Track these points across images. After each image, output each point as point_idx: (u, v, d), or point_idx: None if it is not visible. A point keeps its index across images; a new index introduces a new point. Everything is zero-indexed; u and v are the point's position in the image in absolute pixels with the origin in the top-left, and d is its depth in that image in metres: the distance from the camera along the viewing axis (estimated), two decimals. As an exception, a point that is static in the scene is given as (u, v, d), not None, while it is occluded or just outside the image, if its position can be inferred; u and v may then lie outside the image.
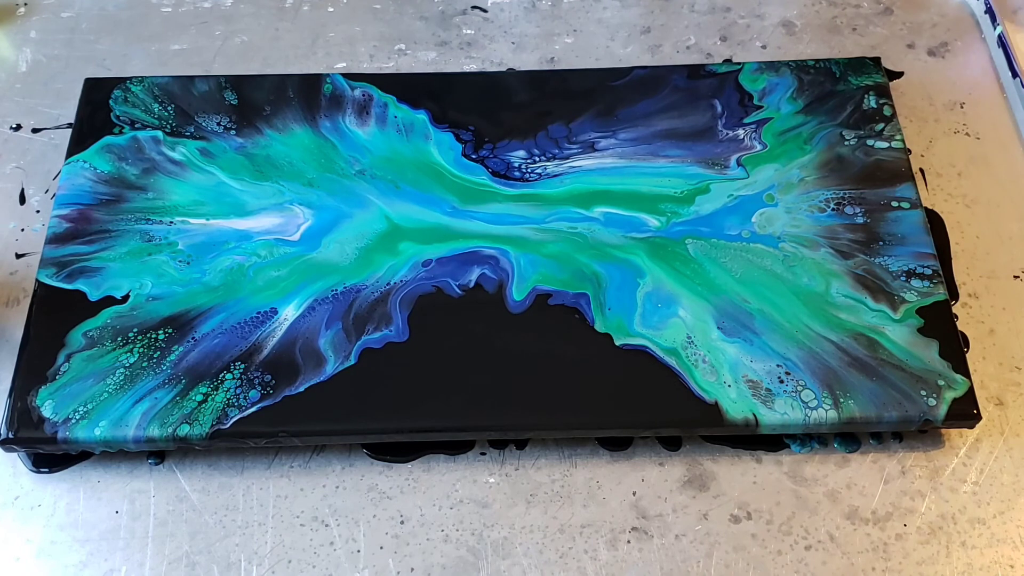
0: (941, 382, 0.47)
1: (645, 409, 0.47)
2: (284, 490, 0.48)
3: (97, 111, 0.57)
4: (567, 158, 0.55)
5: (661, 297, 0.50)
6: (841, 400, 0.47)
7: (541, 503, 0.48)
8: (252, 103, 0.57)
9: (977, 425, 0.48)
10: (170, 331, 0.49)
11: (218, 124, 0.56)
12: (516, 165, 0.55)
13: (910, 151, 0.57)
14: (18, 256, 0.55)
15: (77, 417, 0.47)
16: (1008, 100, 0.61)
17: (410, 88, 0.58)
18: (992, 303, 0.53)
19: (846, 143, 0.55)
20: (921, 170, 0.58)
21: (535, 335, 0.49)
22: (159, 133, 0.56)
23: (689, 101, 0.57)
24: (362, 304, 0.50)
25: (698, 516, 0.47)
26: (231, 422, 0.47)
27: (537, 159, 0.55)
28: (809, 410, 0.47)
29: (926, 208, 0.54)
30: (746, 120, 0.56)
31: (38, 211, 0.57)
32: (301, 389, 0.48)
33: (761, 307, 0.50)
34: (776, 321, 0.49)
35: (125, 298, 0.50)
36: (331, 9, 0.66)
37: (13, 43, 0.64)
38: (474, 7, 0.66)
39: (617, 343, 0.49)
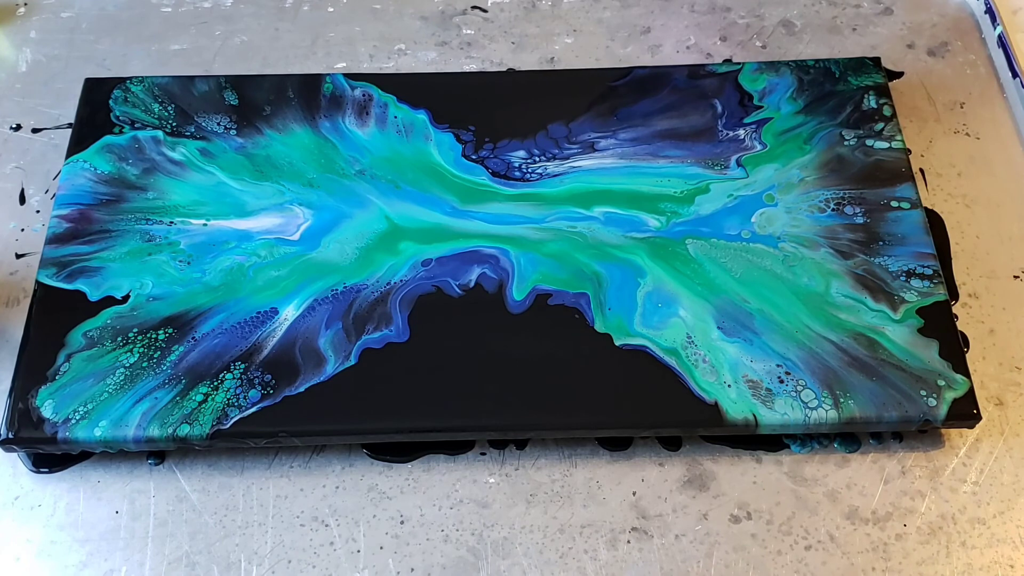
0: (941, 382, 0.47)
1: (645, 409, 0.47)
2: (284, 490, 0.48)
3: (97, 111, 0.57)
4: (567, 158, 0.55)
5: (661, 297, 0.50)
6: (841, 400, 0.47)
7: (541, 503, 0.48)
8: (252, 103, 0.57)
9: (977, 425, 0.48)
10: (170, 331, 0.49)
11: (218, 124, 0.56)
12: (516, 165, 0.55)
13: (910, 151, 0.57)
14: (18, 256, 0.55)
15: (77, 417, 0.47)
16: (1008, 100, 0.61)
17: (410, 88, 0.58)
18: (992, 303, 0.53)
19: (846, 143, 0.55)
20: (921, 170, 0.58)
21: (535, 335, 0.49)
22: (159, 133, 0.56)
23: (689, 101, 0.57)
24: (362, 304, 0.50)
25: (698, 516, 0.47)
26: (231, 422, 0.47)
27: (537, 159, 0.55)
28: (809, 410, 0.47)
29: (926, 208, 0.54)
30: (746, 120, 0.56)
31: (38, 211, 0.57)
32: (301, 389, 0.48)
33: (761, 307, 0.50)
34: (776, 321, 0.49)
35: (125, 298, 0.50)
36: (331, 9, 0.66)
37: (13, 43, 0.64)
38: (474, 7, 0.66)
39: (617, 343, 0.49)
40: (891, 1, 0.66)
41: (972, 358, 0.51)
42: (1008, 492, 0.48)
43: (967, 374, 0.48)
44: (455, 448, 0.49)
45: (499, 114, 0.57)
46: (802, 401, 0.47)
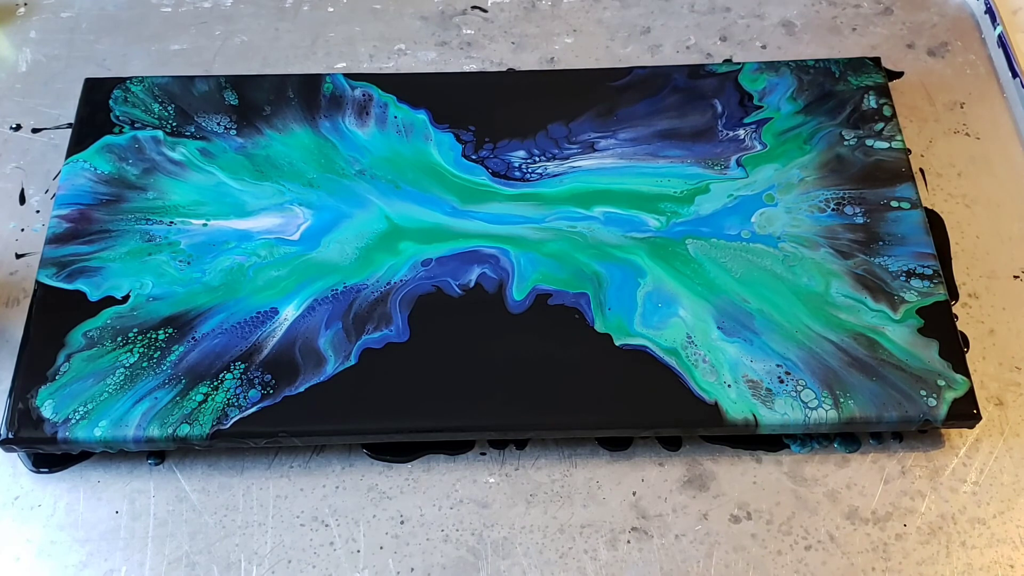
0: (941, 382, 0.47)
1: (645, 409, 0.47)
2: (284, 490, 0.48)
3: (97, 111, 0.57)
4: (567, 158, 0.55)
5: (661, 297, 0.50)
6: (841, 400, 0.47)
7: (541, 503, 0.48)
8: (252, 103, 0.57)
9: (977, 425, 0.48)
10: (170, 331, 0.49)
11: (218, 124, 0.56)
12: (516, 165, 0.55)
13: (910, 151, 0.57)
14: (18, 256, 0.55)
15: (77, 417, 0.47)
16: (1008, 100, 0.61)
17: (410, 88, 0.58)
18: (992, 303, 0.53)
19: (846, 143, 0.55)
20: (921, 170, 0.58)
21: (535, 335, 0.49)
22: (159, 133, 0.56)
23: (689, 101, 0.57)
24: (362, 304, 0.50)
25: (698, 516, 0.47)
26: (231, 422, 0.47)
27: (537, 159, 0.55)
28: (809, 410, 0.47)
29: (926, 208, 0.54)
30: (746, 120, 0.56)
31: (38, 211, 0.57)
32: (301, 389, 0.48)
33: (761, 307, 0.50)
34: (776, 321, 0.49)
35: (125, 298, 0.50)
36: (331, 9, 0.66)
37: (13, 43, 0.64)
38: (474, 7, 0.66)
39: (617, 343, 0.49)
40: (891, 1, 0.66)
41: (972, 358, 0.51)
42: (1008, 492, 0.48)
43: (967, 374, 0.48)
44: (455, 448, 0.49)
45: (499, 114, 0.57)
46: (802, 401, 0.47)
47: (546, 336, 0.49)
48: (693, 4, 0.66)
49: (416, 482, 0.48)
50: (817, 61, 0.59)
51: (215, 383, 0.48)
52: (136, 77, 0.58)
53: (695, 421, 0.47)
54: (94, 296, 0.50)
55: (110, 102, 0.57)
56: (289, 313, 0.50)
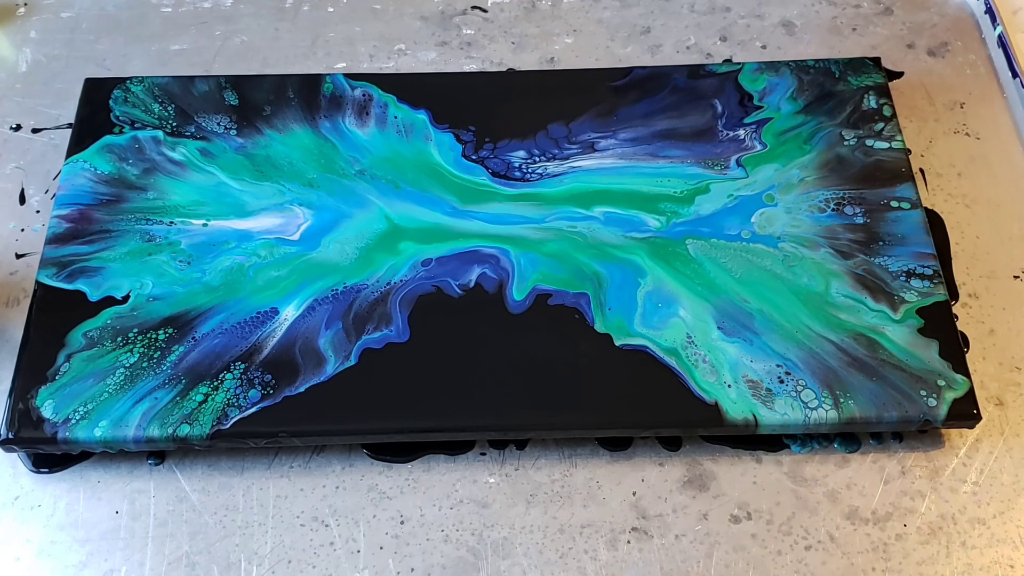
0: (941, 382, 0.47)
1: (645, 409, 0.47)
2: (284, 490, 0.48)
3: (97, 111, 0.57)
4: (567, 158, 0.55)
5: (661, 297, 0.50)
6: (841, 400, 0.47)
7: (541, 503, 0.48)
8: (252, 103, 0.57)
9: (977, 425, 0.48)
10: (170, 331, 0.49)
11: (218, 124, 0.56)
12: (516, 165, 0.55)
13: (910, 151, 0.57)
14: (18, 256, 0.55)
15: (77, 417, 0.47)
16: (1008, 100, 0.61)
17: (410, 88, 0.58)
18: (992, 303, 0.53)
19: (846, 143, 0.55)
20: (921, 170, 0.58)
21: (535, 335, 0.49)
22: (159, 133, 0.56)
23: (689, 101, 0.57)
24: (362, 304, 0.50)
25: (698, 516, 0.47)
26: (231, 422, 0.47)
27: (537, 159, 0.55)
28: (809, 410, 0.47)
29: (926, 208, 0.54)
30: (746, 120, 0.56)
31: (38, 211, 0.57)
32: (301, 389, 0.48)
33: (761, 307, 0.50)
34: (776, 321, 0.49)
35: (125, 298, 0.50)
36: (331, 9, 0.66)
37: (13, 43, 0.64)
38: (474, 7, 0.66)
39: (617, 343, 0.49)
40: (891, 1, 0.66)
41: (972, 358, 0.51)
42: (1008, 492, 0.48)
43: (967, 374, 0.48)
44: (455, 448, 0.49)
45: (499, 114, 0.57)
46: (802, 401, 0.47)
47: (546, 336, 0.49)
48: (693, 4, 0.66)
49: (416, 482, 0.48)
50: (817, 61, 0.59)
51: (215, 383, 0.48)
52: (136, 77, 0.58)
53: (695, 421, 0.47)
54: (94, 296, 0.50)
55: (110, 102, 0.57)
56: (289, 313, 0.50)
